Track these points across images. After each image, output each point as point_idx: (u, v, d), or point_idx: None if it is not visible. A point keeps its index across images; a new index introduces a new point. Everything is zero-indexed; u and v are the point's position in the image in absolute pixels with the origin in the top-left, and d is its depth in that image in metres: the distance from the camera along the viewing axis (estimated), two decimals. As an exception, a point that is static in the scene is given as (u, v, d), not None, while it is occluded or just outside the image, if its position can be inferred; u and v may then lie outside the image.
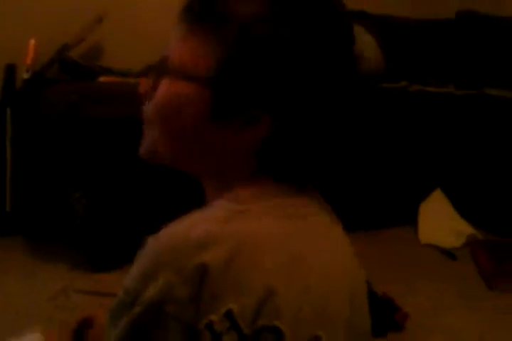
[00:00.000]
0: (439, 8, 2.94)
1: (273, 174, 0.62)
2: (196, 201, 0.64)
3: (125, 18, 2.44)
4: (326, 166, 0.65)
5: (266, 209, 0.58)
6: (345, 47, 0.62)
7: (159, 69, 0.62)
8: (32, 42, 2.20)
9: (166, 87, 0.61)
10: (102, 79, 2.10)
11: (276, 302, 0.53)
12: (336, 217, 0.67)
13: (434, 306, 1.80)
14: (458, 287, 1.94)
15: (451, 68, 2.85)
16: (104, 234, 1.86)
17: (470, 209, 2.39)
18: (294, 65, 0.58)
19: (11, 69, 2.14)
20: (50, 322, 1.46)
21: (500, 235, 2.29)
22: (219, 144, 0.61)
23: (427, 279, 1.98)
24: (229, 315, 0.51)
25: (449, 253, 2.19)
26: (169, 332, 0.52)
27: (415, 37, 2.89)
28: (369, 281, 1.71)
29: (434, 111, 2.43)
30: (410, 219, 2.38)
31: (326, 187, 0.75)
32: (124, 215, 1.86)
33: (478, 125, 2.42)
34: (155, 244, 0.55)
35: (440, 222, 2.34)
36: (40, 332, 1.09)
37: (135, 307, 0.53)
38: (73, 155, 1.81)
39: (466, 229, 2.33)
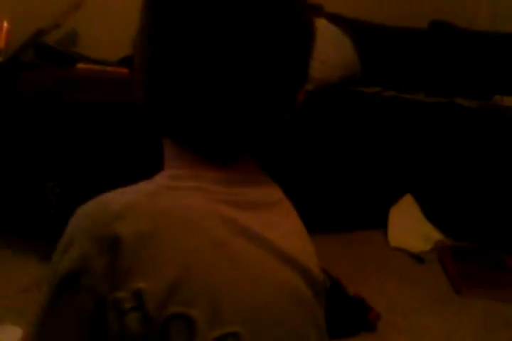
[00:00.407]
0: (413, 17, 3.00)
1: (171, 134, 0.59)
2: None
3: (102, 6, 2.40)
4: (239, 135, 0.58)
5: (199, 189, 0.55)
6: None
7: None
8: (5, 24, 2.13)
9: None
10: (80, 65, 2.05)
11: (192, 288, 0.50)
12: (277, 191, 0.63)
13: (403, 307, 1.82)
14: (426, 290, 1.97)
15: (423, 76, 2.91)
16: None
17: (439, 215, 2.43)
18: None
19: (-18, 52, 2.07)
20: (22, 315, 1.39)
21: (467, 241, 2.33)
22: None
23: (396, 281, 2.00)
24: (137, 294, 0.48)
25: (417, 257, 2.21)
26: (82, 306, 0.49)
27: (389, 43, 2.94)
28: (340, 281, 1.72)
29: (405, 118, 2.47)
30: (380, 222, 2.40)
31: (295, 189, 0.73)
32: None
33: (447, 133, 2.47)
34: (78, 214, 0.54)
35: (409, 226, 2.37)
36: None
37: (53, 278, 0.52)
38: (47, 143, 1.75)
39: (434, 234, 2.36)
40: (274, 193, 0.62)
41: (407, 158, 2.44)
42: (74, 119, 1.70)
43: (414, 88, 2.82)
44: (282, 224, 0.60)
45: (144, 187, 0.55)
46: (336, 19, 2.77)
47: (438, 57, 2.98)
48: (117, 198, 0.53)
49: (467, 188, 2.39)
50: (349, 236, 2.32)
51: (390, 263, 2.16)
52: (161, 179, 0.57)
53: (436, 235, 2.36)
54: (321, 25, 2.46)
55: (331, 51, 2.26)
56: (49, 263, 1.60)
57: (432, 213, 2.45)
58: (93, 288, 0.49)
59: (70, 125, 1.71)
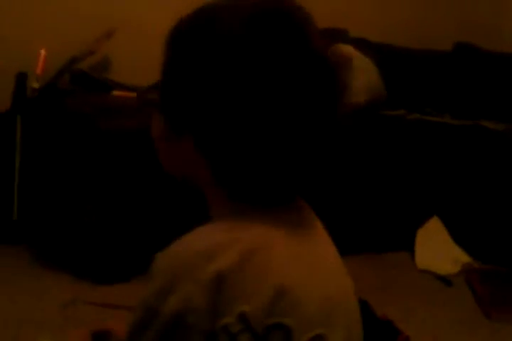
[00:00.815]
0: (437, 39, 3.03)
1: (228, 189, 0.63)
2: (202, 218, 0.65)
3: (133, 34, 2.48)
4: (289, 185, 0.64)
5: (263, 219, 0.60)
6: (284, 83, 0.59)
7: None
8: (42, 52, 2.22)
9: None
10: (115, 93, 2.12)
11: (285, 302, 0.56)
12: (325, 235, 0.69)
13: (432, 330, 1.82)
14: (455, 313, 1.96)
15: (448, 99, 2.92)
16: (111, 248, 1.85)
17: (466, 238, 2.42)
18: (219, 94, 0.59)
19: (22, 78, 2.16)
20: (60, 333, 1.44)
21: (495, 264, 2.31)
22: (178, 156, 0.65)
23: (424, 304, 2.00)
24: (242, 317, 0.54)
25: (444, 280, 2.21)
26: (191, 340, 0.54)
27: (414, 66, 2.96)
28: (368, 302, 1.72)
29: (431, 140, 2.48)
30: (407, 244, 2.40)
31: (324, 211, 0.76)
32: (132, 230, 1.86)
33: (474, 155, 2.48)
34: (166, 260, 0.57)
35: (436, 248, 2.37)
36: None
37: (156, 321, 0.55)
38: (86, 167, 1.81)
39: (461, 256, 2.35)
40: (314, 220, 0.69)
41: (433, 181, 2.45)
42: (110, 145, 1.76)
43: (440, 110, 2.83)
44: (328, 249, 0.68)
45: (215, 226, 0.61)
46: (360, 43, 2.82)
47: (463, 79, 2.99)
48: (200, 241, 0.58)
49: (494, 211, 2.39)
50: (377, 258, 2.32)
51: (417, 286, 2.16)
52: (224, 216, 0.62)
53: (464, 258, 2.35)
54: (347, 51, 2.52)
55: (357, 76, 2.31)
56: (82, 281, 1.65)
57: (459, 236, 2.44)
58: (198, 324, 0.54)
59: (106, 150, 1.77)
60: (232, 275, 0.55)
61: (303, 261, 0.61)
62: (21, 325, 1.52)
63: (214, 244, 0.57)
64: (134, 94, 2.11)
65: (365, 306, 1.66)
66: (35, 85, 2.16)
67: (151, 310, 0.55)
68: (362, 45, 2.80)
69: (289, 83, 0.58)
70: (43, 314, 1.60)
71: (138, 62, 2.51)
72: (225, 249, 0.56)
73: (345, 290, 0.66)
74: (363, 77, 2.38)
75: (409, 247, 2.40)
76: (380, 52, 2.80)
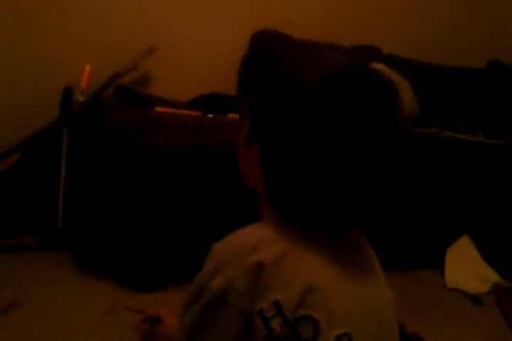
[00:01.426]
0: (470, 57, 3.04)
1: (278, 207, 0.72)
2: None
3: (175, 50, 2.57)
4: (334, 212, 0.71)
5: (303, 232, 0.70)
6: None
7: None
8: (87, 67, 2.32)
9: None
10: (159, 109, 2.21)
11: (314, 298, 0.64)
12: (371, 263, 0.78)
13: (462, 349, 1.83)
14: (484, 332, 1.96)
15: (480, 116, 2.93)
16: (152, 257, 1.92)
17: (496, 257, 2.42)
18: (295, 122, 0.68)
19: (68, 92, 2.26)
20: (104, 338, 1.51)
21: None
22: (249, 166, 0.74)
23: (454, 322, 2.00)
24: (277, 303, 0.63)
25: (474, 299, 2.21)
26: (230, 317, 0.64)
27: (447, 83, 2.97)
28: (399, 319, 1.75)
29: (463, 158, 2.50)
30: (437, 263, 2.41)
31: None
32: (172, 241, 1.93)
33: (506, 174, 2.48)
34: (220, 247, 0.69)
35: (466, 267, 2.37)
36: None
37: (203, 296, 0.65)
38: (130, 180, 1.89)
39: (492, 276, 2.35)
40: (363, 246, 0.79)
41: (464, 199, 2.46)
42: (156, 160, 1.84)
43: (472, 128, 2.84)
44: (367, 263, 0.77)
45: (265, 225, 0.71)
46: (392, 60, 2.85)
47: (495, 96, 3.00)
48: (251, 234, 0.69)
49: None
50: (406, 276, 2.33)
51: (447, 304, 2.17)
52: (274, 217, 0.72)
53: (494, 277, 2.35)
54: (380, 69, 2.56)
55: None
56: (122, 290, 1.72)
57: (489, 254, 2.44)
58: (237, 303, 0.64)
59: (152, 165, 1.84)
60: (270, 267, 0.64)
61: (337, 266, 0.69)
62: (67, 330, 1.58)
63: (260, 239, 0.67)
64: (175, 110, 2.19)
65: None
66: (81, 99, 2.26)
67: (201, 287, 0.66)
68: (394, 61, 2.83)
69: (359, 138, 0.67)
70: (86, 320, 1.66)
71: (177, 77, 2.60)
72: (269, 244, 0.66)
73: (380, 301, 0.74)
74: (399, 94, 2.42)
75: (440, 265, 2.41)
76: (412, 69, 2.82)
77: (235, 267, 0.64)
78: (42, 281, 1.89)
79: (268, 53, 2.60)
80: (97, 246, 2.09)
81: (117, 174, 1.95)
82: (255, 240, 0.67)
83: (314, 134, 0.66)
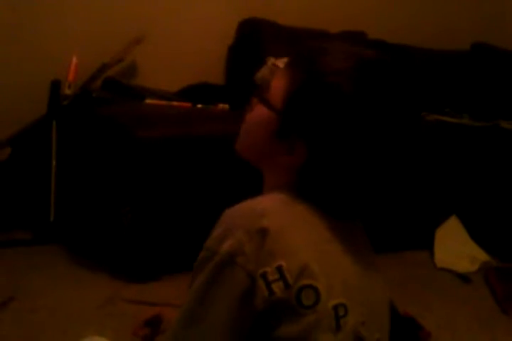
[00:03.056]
0: (454, 40, 3.05)
1: (310, 198, 0.75)
2: None
3: (162, 40, 2.56)
4: (362, 201, 0.79)
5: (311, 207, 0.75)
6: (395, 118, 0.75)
7: (257, 95, 0.82)
8: (74, 60, 2.31)
9: (255, 108, 0.82)
10: (148, 101, 2.22)
11: (315, 270, 0.69)
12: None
13: (452, 326, 1.87)
14: (473, 309, 2.02)
15: (466, 99, 2.96)
16: (146, 248, 1.94)
17: (484, 236, 2.47)
18: (340, 117, 0.73)
19: (55, 85, 2.26)
20: (101, 329, 1.54)
21: (513, 262, 2.37)
22: (274, 157, 0.78)
23: (443, 301, 2.05)
24: (279, 269, 0.67)
25: (463, 277, 2.27)
26: (236, 276, 0.67)
27: (432, 66, 2.99)
28: (391, 300, 1.79)
29: (449, 141, 2.53)
30: (426, 243, 2.46)
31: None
32: (165, 231, 1.95)
33: (492, 155, 2.52)
34: (230, 213, 0.72)
35: (455, 247, 2.43)
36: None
37: (213, 258, 0.69)
38: (122, 172, 1.90)
39: (480, 255, 2.41)
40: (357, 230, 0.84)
41: (452, 181, 2.50)
42: (147, 153, 1.85)
43: (458, 110, 2.87)
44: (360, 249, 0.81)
45: (273, 196, 0.75)
46: (377, 45, 2.87)
47: (481, 79, 3.02)
48: (259, 203, 0.73)
49: (512, 210, 2.44)
50: (397, 257, 2.38)
51: (436, 283, 2.22)
52: (284, 193, 0.76)
53: (482, 256, 2.41)
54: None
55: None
56: (118, 281, 1.74)
57: (477, 234, 2.49)
58: (245, 264, 0.67)
59: (143, 158, 1.86)
60: (275, 234, 0.68)
61: (338, 244, 0.74)
62: (66, 322, 1.61)
63: (270, 207, 0.71)
64: (165, 102, 2.20)
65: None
66: (68, 92, 2.26)
67: (211, 250, 0.69)
68: (379, 46, 2.85)
69: (387, 132, 0.75)
70: (84, 311, 1.68)
71: (165, 68, 2.60)
72: (277, 213, 0.71)
73: (374, 281, 0.79)
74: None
75: (429, 246, 2.46)
76: (398, 54, 2.84)
77: (244, 231, 0.68)
78: (37, 275, 1.91)
79: (256, 41, 2.60)
80: (91, 239, 2.11)
81: (108, 166, 1.96)
82: (264, 207, 0.71)
83: (361, 131, 0.73)
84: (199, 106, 2.28)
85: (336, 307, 0.69)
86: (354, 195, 0.77)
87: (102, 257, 2.04)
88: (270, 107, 0.77)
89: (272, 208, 0.71)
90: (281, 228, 0.69)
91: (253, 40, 2.63)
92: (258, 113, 0.80)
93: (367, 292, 0.76)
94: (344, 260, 0.74)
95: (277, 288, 0.67)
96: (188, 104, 2.16)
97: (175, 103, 2.20)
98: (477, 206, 2.51)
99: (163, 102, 2.21)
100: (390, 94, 0.74)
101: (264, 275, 0.67)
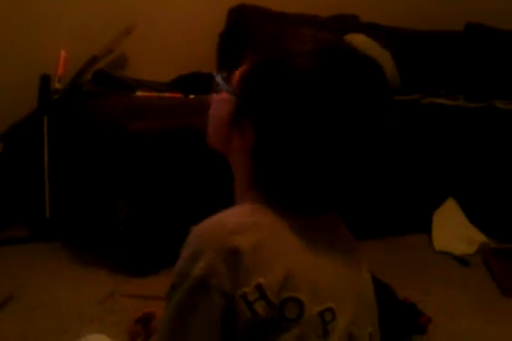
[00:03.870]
0: (448, 20, 3.02)
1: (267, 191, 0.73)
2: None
3: (151, 30, 2.53)
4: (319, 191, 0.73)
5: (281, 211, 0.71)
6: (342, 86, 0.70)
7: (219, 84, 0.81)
8: (63, 53, 2.28)
9: (217, 94, 0.80)
10: (140, 93, 2.19)
11: (296, 279, 0.66)
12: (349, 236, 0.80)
13: (452, 310, 1.88)
14: (473, 292, 2.03)
15: (461, 80, 2.94)
16: (144, 242, 1.94)
17: (482, 218, 2.48)
18: (288, 97, 0.69)
19: (45, 80, 2.23)
20: (102, 324, 1.54)
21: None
22: (231, 143, 0.76)
23: (443, 284, 2.06)
24: (259, 287, 0.64)
25: (461, 260, 2.27)
26: (212, 300, 0.64)
27: (426, 48, 2.97)
28: (389, 285, 1.79)
29: (445, 123, 2.52)
30: (424, 226, 2.47)
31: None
32: (162, 224, 1.94)
33: (488, 136, 2.51)
34: (197, 232, 0.68)
35: (453, 229, 2.43)
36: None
37: (186, 282, 0.65)
38: (116, 167, 1.89)
39: (478, 237, 2.42)
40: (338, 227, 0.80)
41: (448, 163, 2.49)
42: (140, 146, 1.83)
43: (454, 91, 2.85)
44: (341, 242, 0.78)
45: (241, 209, 0.72)
46: (371, 28, 2.84)
47: (475, 59, 3.00)
48: (227, 219, 0.69)
49: (509, 191, 2.43)
50: (394, 241, 2.39)
51: (435, 267, 2.23)
52: (248, 203, 0.73)
53: (480, 238, 2.41)
54: (360, 40, 2.55)
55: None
56: (117, 276, 1.74)
57: (475, 216, 2.50)
58: (220, 286, 0.64)
59: (136, 152, 1.84)
60: (248, 253, 0.65)
61: (315, 249, 0.71)
62: (67, 319, 1.61)
63: (238, 222, 0.67)
64: (157, 94, 2.17)
65: (386, 289, 1.74)
66: (58, 86, 2.23)
67: (182, 274, 0.66)
68: (373, 29, 2.82)
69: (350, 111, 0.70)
70: (84, 308, 1.68)
71: (155, 58, 2.57)
72: (246, 229, 0.67)
73: (358, 278, 0.77)
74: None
75: (427, 229, 2.46)
76: (391, 36, 2.82)
77: (214, 251, 0.65)
78: (36, 272, 1.91)
79: (246, 28, 2.57)
80: (88, 234, 2.10)
81: (101, 160, 1.95)
82: (233, 224, 0.67)
83: (313, 114, 0.68)
84: (191, 96, 2.25)
85: (321, 314, 0.68)
86: (310, 186, 0.71)
87: (100, 252, 2.04)
88: (227, 89, 0.77)
89: (240, 224, 0.67)
90: (253, 245, 0.65)
91: (243, 26, 2.60)
92: (219, 98, 0.79)
93: (354, 288, 0.75)
94: (325, 262, 0.72)
95: (260, 307, 0.64)
96: (179, 95, 2.13)
97: (166, 94, 2.18)
98: (474, 188, 2.51)
99: (155, 94, 2.19)
100: (346, 78, 0.69)
101: (244, 296, 0.64)
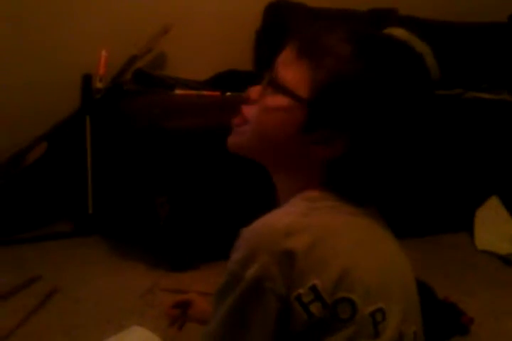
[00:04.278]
0: (491, 11, 2.94)
1: (338, 190, 0.74)
2: (268, 207, 0.75)
3: (188, 29, 2.55)
4: (389, 187, 0.78)
5: (333, 207, 0.72)
6: (416, 87, 0.75)
7: (268, 83, 0.77)
8: (104, 53, 2.33)
9: (271, 98, 0.75)
10: (178, 91, 2.22)
11: (350, 280, 0.66)
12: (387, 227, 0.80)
13: (495, 310, 1.84)
14: (517, 293, 1.98)
15: (504, 74, 2.86)
16: (184, 237, 1.97)
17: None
18: (374, 100, 0.71)
19: (87, 79, 2.28)
20: (142, 318, 1.57)
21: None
22: (301, 153, 0.74)
23: (486, 284, 2.01)
24: (314, 288, 0.64)
25: (506, 260, 2.22)
26: (267, 303, 0.65)
27: (468, 41, 2.90)
28: (430, 286, 1.76)
29: (488, 118, 2.46)
30: (467, 225, 2.41)
31: (385, 195, 0.87)
32: (203, 220, 1.97)
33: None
34: (249, 234, 0.68)
35: (496, 228, 2.37)
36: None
37: (240, 284, 0.65)
38: (157, 164, 1.92)
39: (522, 235, 2.36)
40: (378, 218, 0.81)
41: (492, 160, 2.43)
42: (178, 144, 1.86)
43: (497, 86, 2.78)
44: (388, 237, 0.78)
45: (294, 209, 0.72)
46: (410, 21, 2.79)
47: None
48: (279, 220, 0.68)
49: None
50: (436, 240, 2.35)
51: (478, 266, 2.18)
52: (302, 201, 0.73)
53: (525, 236, 2.35)
54: (400, 34, 2.50)
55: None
56: (156, 270, 1.77)
57: (519, 215, 2.43)
58: (274, 289, 0.65)
59: (174, 149, 1.87)
60: (302, 255, 0.64)
61: (364, 247, 0.71)
62: (109, 312, 1.64)
63: (292, 225, 0.67)
64: (195, 92, 2.20)
65: (426, 289, 1.71)
66: (99, 86, 2.28)
67: (236, 276, 0.66)
68: (412, 23, 2.77)
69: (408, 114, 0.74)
70: (125, 302, 1.72)
71: (192, 56, 2.59)
72: (300, 230, 0.66)
73: (403, 272, 0.76)
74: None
75: (468, 228, 2.41)
76: (431, 30, 2.76)
77: (269, 254, 0.65)
78: (79, 266, 1.96)
79: (283, 24, 2.57)
80: (129, 230, 2.14)
81: (143, 159, 1.98)
82: (287, 225, 0.67)
83: (391, 116, 0.72)
84: (228, 94, 2.27)
85: (373, 314, 0.67)
86: (381, 180, 0.76)
87: (141, 247, 2.07)
88: (296, 98, 0.72)
89: (293, 225, 0.67)
90: (307, 246, 0.65)
91: (280, 23, 2.60)
92: (274, 105, 0.74)
93: (403, 285, 0.74)
94: (378, 257, 0.72)
95: (315, 309, 0.65)
96: (217, 93, 2.15)
97: (204, 92, 2.20)
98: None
99: (193, 92, 2.21)
100: (403, 72, 0.73)
101: (299, 298, 0.64)
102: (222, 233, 1.48)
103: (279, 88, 0.74)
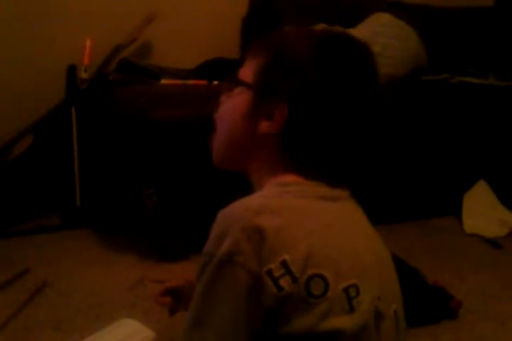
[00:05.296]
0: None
1: (302, 170, 0.78)
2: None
3: (173, 17, 2.53)
4: (354, 166, 0.82)
5: (305, 191, 0.76)
6: (352, 58, 0.80)
7: (227, 83, 0.88)
8: (88, 42, 2.30)
9: (228, 93, 0.86)
10: (164, 81, 2.20)
11: (320, 256, 0.69)
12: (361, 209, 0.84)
13: (483, 293, 1.85)
14: (504, 275, 1.99)
15: (491, 58, 2.86)
16: (173, 228, 1.97)
17: (514, 200, 2.43)
18: (303, 71, 0.78)
19: (72, 70, 2.25)
20: (133, 310, 1.57)
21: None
22: (254, 137, 0.81)
23: (474, 268, 2.03)
24: (284, 263, 0.67)
25: (493, 243, 2.24)
26: (238, 277, 0.67)
27: (454, 25, 2.89)
28: (418, 270, 1.77)
29: (475, 103, 2.47)
30: (455, 209, 2.43)
31: (370, 179, 0.89)
32: (191, 211, 1.97)
33: (520, 116, 2.45)
34: (223, 214, 0.72)
35: (484, 212, 2.39)
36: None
37: (212, 261, 0.68)
38: (144, 156, 1.91)
39: (510, 218, 2.37)
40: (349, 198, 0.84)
41: (479, 144, 2.45)
42: (167, 135, 1.85)
43: (483, 70, 2.78)
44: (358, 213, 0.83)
45: (266, 192, 0.77)
46: (397, 6, 2.78)
47: (505, 36, 2.91)
48: (252, 200, 0.73)
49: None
50: (424, 224, 2.37)
51: (466, 250, 2.20)
52: (274, 187, 0.78)
53: (512, 219, 2.37)
54: (386, 20, 2.49)
55: (397, 46, 2.30)
56: (146, 262, 1.77)
57: (506, 198, 2.45)
58: (244, 263, 0.67)
59: (160, 140, 1.86)
60: (273, 233, 0.67)
61: (334, 229, 0.74)
62: (99, 305, 1.63)
63: (264, 204, 0.71)
64: (181, 81, 2.18)
65: (415, 273, 1.73)
66: (84, 76, 2.26)
67: (209, 254, 0.69)
68: (399, 8, 2.76)
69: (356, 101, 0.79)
70: (115, 294, 1.71)
71: (179, 44, 2.57)
72: (272, 210, 0.70)
73: (377, 252, 0.79)
74: (404, 46, 2.37)
75: (457, 212, 2.43)
76: (418, 15, 2.75)
77: (239, 230, 0.67)
78: (68, 259, 1.95)
79: (269, 10, 2.55)
80: (117, 222, 2.14)
81: (129, 150, 1.97)
82: (259, 205, 0.70)
83: (329, 92, 0.78)
84: (215, 82, 2.25)
85: (346, 290, 0.69)
86: (335, 152, 0.80)
87: (130, 239, 2.07)
88: (243, 84, 0.82)
89: (265, 204, 0.71)
90: (277, 226, 0.68)
91: (267, 9, 2.58)
92: (230, 95, 0.85)
93: (377, 263, 0.77)
94: (349, 239, 0.75)
95: (285, 282, 0.67)
96: (203, 82, 2.14)
97: (190, 82, 2.18)
98: (505, 169, 2.46)
99: (179, 81, 2.20)
100: (352, 65, 0.79)
101: (269, 273, 0.67)
102: (210, 223, 1.48)
103: (234, 82, 0.84)
